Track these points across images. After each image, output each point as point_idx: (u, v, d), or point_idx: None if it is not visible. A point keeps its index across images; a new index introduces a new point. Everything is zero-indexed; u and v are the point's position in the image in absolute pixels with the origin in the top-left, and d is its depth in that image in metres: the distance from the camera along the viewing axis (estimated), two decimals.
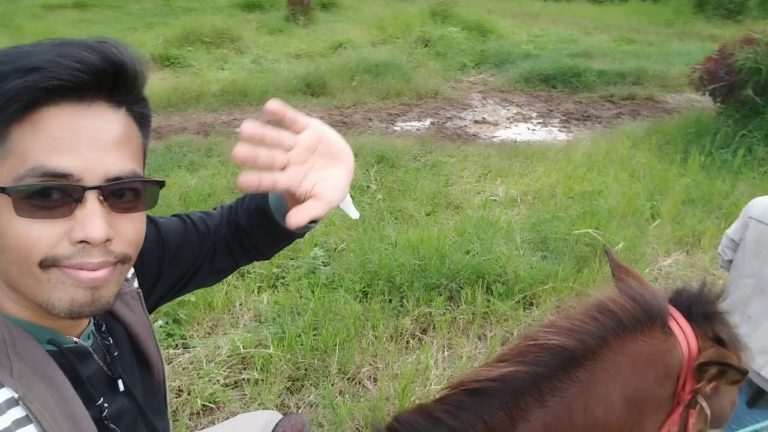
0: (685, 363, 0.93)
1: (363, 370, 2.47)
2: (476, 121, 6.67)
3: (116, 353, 0.83)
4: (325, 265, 3.28)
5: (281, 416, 1.37)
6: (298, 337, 2.54)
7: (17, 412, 0.63)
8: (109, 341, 0.83)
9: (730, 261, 1.91)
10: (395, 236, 3.43)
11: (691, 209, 3.94)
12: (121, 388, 0.82)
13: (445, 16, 9.75)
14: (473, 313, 2.87)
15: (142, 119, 0.73)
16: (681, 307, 0.99)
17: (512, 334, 2.81)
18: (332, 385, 2.38)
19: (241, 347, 2.49)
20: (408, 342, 2.73)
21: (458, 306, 2.91)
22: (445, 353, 2.66)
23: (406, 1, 13.12)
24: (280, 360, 2.44)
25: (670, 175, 4.37)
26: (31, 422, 0.64)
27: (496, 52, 8.40)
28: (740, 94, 4.89)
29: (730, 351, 0.96)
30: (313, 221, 0.97)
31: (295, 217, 0.77)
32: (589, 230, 3.36)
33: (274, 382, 2.35)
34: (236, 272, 3.20)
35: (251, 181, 0.75)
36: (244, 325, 2.77)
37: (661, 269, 3.36)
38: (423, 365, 2.49)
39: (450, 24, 9.48)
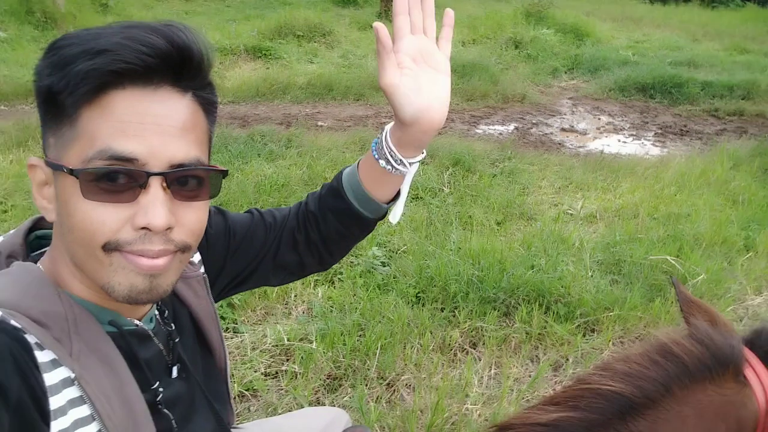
0: (762, 417, 0.82)
1: (403, 377, 2.42)
2: (563, 129, 6.39)
3: (177, 339, 0.84)
4: (384, 266, 3.26)
5: (347, 415, 1.36)
6: (342, 335, 2.54)
7: (72, 392, 0.65)
8: (172, 327, 0.84)
9: None
10: (457, 243, 3.34)
11: None
12: (174, 374, 0.83)
13: (540, 17, 9.41)
14: (527, 333, 2.73)
15: (208, 105, 0.74)
16: (759, 351, 0.87)
17: (567, 359, 2.65)
18: (370, 389, 2.35)
19: (286, 339, 2.52)
20: (456, 354, 2.65)
21: (513, 323, 2.79)
22: (492, 371, 2.56)
23: (501, 1, 12.81)
24: (322, 356, 2.45)
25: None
26: (85, 403, 0.65)
27: (591, 57, 8.00)
28: None
29: None
30: (391, 200, 1.00)
31: (387, 35, 0.84)
32: (668, 257, 3.10)
33: (312, 377, 2.36)
34: None
35: None
36: (296, 317, 2.81)
37: (747, 308, 3.04)
38: (464, 381, 2.40)
39: (544, 26, 9.14)
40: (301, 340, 2.59)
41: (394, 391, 2.38)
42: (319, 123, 5.83)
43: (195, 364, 0.87)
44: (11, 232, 0.79)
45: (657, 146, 6.02)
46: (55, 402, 0.63)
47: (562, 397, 0.84)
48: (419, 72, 0.86)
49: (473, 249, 3.20)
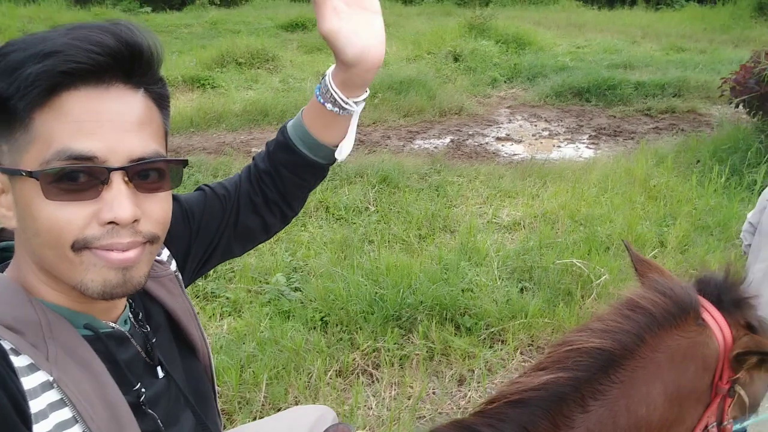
0: (721, 353, 0.92)
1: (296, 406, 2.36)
2: (499, 138, 6.44)
3: (154, 340, 0.83)
4: (296, 291, 3.21)
5: (333, 412, 1.39)
6: (234, 368, 2.47)
7: (52, 396, 0.65)
8: (147, 329, 0.84)
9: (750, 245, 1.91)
10: (369, 262, 3.31)
11: (703, 237, 3.58)
12: (161, 374, 0.82)
13: (482, 29, 9.54)
14: (431, 349, 2.70)
15: (161, 100, 0.75)
16: (710, 296, 0.98)
17: (473, 372, 2.62)
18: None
19: None
20: (358, 377, 2.60)
21: (416, 341, 2.75)
22: (393, 392, 2.52)
23: (450, 16, 12.98)
24: None
25: (683, 198, 4.00)
26: (66, 405, 0.66)
27: (529, 66, 8.11)
28: None
29: (762, 336, 0.95)
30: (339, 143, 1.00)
31: None
32: (573, 260, 3.11)
33: None
34: (204, 297, 3.19)
35: None
36: None
37: None
38: (355, 405, 2.35)
39: (486, 38, 9.27)
40: None
41: None
42: (253, 149, 5.79)
43: (174, 364, 0.86)
44: None
45: (591, 148, 6.10)
46: (35, 405, 0.63)
47: (549, 361, 0.92)
48: (354, 15, 0.87)
49: (380, 267, 3.17)
